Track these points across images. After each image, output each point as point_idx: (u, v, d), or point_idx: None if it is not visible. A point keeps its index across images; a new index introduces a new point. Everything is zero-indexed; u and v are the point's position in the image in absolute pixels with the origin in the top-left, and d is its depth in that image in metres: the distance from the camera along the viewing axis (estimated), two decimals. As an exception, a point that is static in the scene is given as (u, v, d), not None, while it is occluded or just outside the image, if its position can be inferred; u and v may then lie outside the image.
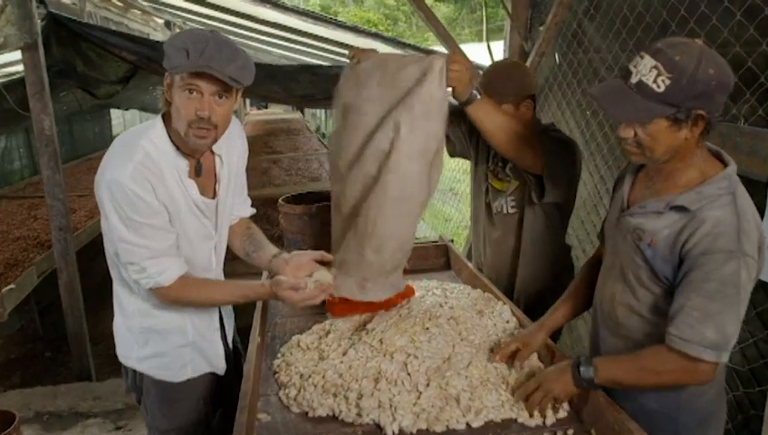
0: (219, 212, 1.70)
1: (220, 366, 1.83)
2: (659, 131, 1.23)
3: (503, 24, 3.34)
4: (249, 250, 1.88)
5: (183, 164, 1.56)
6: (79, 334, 3.48)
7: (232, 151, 1.71)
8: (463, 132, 2.25)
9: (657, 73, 1.18)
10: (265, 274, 2.05)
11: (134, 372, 1.74)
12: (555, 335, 1.77)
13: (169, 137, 1.54)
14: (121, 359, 1.76)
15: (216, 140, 1.54)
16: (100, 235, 1.63)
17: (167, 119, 1.54)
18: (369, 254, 1.66)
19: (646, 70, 1.20)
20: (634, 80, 1.23)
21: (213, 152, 1.65)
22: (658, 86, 1.19)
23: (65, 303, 3.44)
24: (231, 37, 1.53)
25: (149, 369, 1.72)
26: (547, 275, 2.14)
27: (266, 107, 20.57)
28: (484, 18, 3.22)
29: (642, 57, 1.22)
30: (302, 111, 17.38)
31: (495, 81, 1.99)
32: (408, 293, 1.89)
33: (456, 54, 1.75)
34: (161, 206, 1.52)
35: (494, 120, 1.77)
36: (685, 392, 1.36)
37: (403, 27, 28.41)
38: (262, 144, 10.09)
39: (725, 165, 1.31)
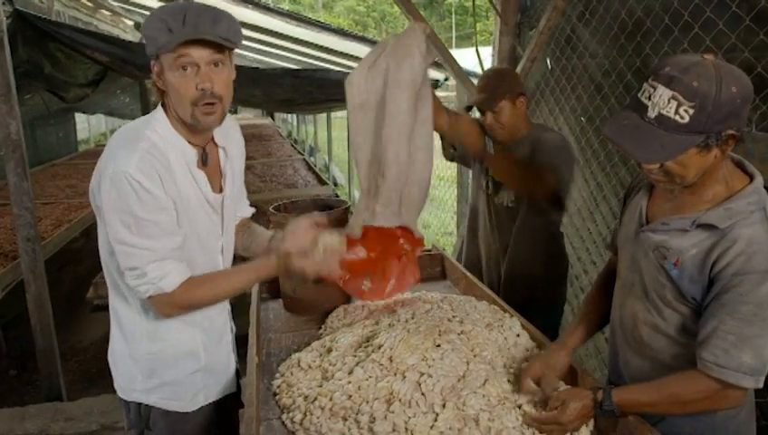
0: (225, 208, 1.59)
1: (233, 387, 1.71)
2: (689, 158, 1.16)
3: (471, 31, 3.30)
4: (247, 243, 1.75)
5: (191, 153, 1.45)
6: (48, 350, 3.27)
7: (231, 145, 1.61)
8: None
9: (678, 104, 1.11)
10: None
11: (138, 405, 1.57)
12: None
13: (172, 126, 1.43)
14: (122, 393, 1.58)
15: (224, 114, 1.42)
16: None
17: (166, 108, 1.44)
18: (379, 179, 1.75)
19: (664, 102, 1.13)
20: (652, 114, 1.15)
21: (216, 144, 1.55)
22: (682, 117, 1.12)
23: (33, 318, 3.24)
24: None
25: (158, 400, 1.55)
26: (537, 261, 2.30)
27: (235, 112, 20.25)
28: (454, 25, 3.16)
29: (655, 87, 1.14)
30: (273, 117, 17.15)
31: (492, 82, 2.23)
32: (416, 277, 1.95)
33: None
34: (169, 200, 1.39)
35: (508, 173, 2.16)
36: (719, 415, 1.30)
37: (373, 33, 28.45)
38: (233, 150, 9.90)
39: (750, 176, 1.25)
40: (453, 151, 2.39)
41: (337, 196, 6.13)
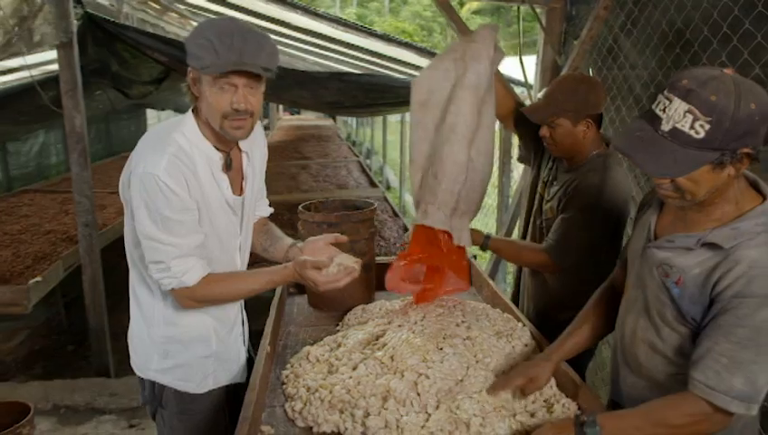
0: (245, 209, 1.67)
1: (242, 376, 1.80)
2: (701, 175, 1.13)
3: (537, 38, 3.27)
4: (266, 245, 1.85)
5: (216, 157, 1.54)
6: (99, 330, 3.51)
7: (255, 149, 1.70)
8: (530, 137, 2.21)
9: (694, 118, 1.08)
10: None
11: (152, 383, 1.68)
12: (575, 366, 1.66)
13: (200, 131, 1.52)
14: (138, 371, 1.70)
15: (252, 128, 1.51)
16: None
17: (196, 112, 1.52)
18: (431, 179, 1.80)
19: (679, 115, 1.09)
20: (666, 127, 1.11)
21: (240, 149, 1.64)
22: (697, 132, 1.08)
23: (88, 298, 3.48)
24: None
25: (171, 381, 1.65)
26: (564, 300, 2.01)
27: (299, 113, 20.79)
28: (520, 32, 3.15)
29: (670, 100, 1.11)
30: (334, 119, 17.51)
31: (558, 92, 1.93)
32: (462, 285, 2.00)
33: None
34: (193, 201, 1.48)
35: (507, 255, 2.24)
36: None
37: (438, 38, 28.42)
38: (292, 149, 10.18)
39: (763, 196, 1.20)
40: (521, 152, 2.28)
41: (386, 198, 6.20)
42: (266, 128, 15.91)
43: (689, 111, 1.09)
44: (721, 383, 1.11)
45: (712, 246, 1.18)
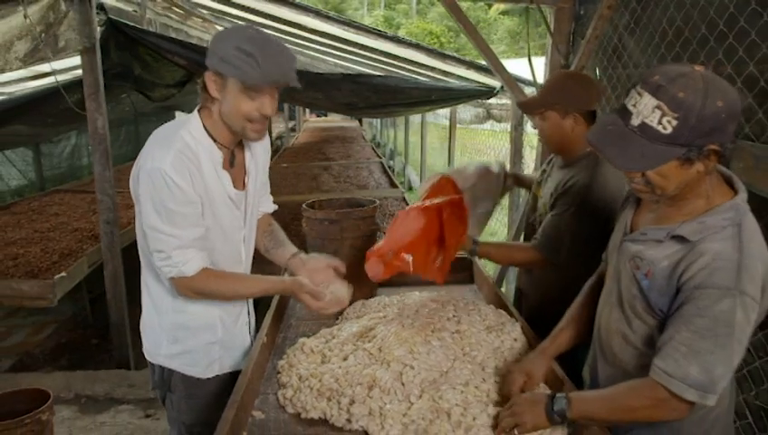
0: (248, 203, 1.75)
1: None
2: (669, 170, 1.15)
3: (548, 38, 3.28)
4: (269, 246, 1.93)
5: (218, 154, 1.62)
6: (120, 324, 3.65)
7: (257, 146, 1.77)
8: None
9: (662, 114, 1.10)
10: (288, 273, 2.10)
11: (161, 368, 1.76)
12: (572, 360, 1.68)
13: (205, 129, 1.60)
14: (149, 356, 1.79)
15: (266, 130, 1.62)
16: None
17: (203, 112, 1.61)
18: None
19: (648, 111, 1.11)
20: (635, 121, 1.14)
21: (243, 146, 1.71)
22: (665, 127, 1.10)
23: (109, 293, 3.62)
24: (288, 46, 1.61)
25: (179, 366, 1.74)
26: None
27: (325, 115, 21.02)
28: (527, 32, 3.16)
29: (641, 95, 1.13)
30: (360, 121, 17.66)
31: (549, 84, 2.04)
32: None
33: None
34: (196, 196, 1.56)
35: (498, 258, 2.31)
36: (684, 431, 1.27)
37: (465, 40, 28.31)
38: (316, 151, 10.31)
39: (736, 192, 1.22)
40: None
41: (404, 199, 6.24)
42: (293, 130, 16.18)
43: (658, 107, 1.10)
44: (678, 370, 1.14)
45: (680, 238, 1.21)
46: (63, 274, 3.64)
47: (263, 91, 1.49)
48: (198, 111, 1.62)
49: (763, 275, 1.14)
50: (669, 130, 1.10)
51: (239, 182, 1.71)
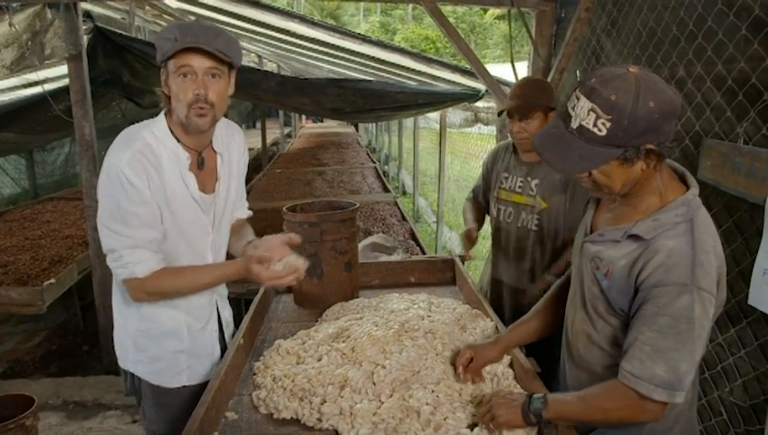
0: (216, 208, 1.73)
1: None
2: (611, 170, 1.18)
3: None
4: (232, 241, 1.88)
5: (184, 156, 1.61)
6: (109, 330, 3.59)
7: (232, 151, 1.77)
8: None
9: (596, 116, 1.12)
10: None
11: (131, 375, 1.75)
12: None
13: (171, 132, 1.60)
14: (120, 362, 1.78)
15: (215, 120, 1.59)
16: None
17: (168, 115, 1.61)
18: None
19: (584, 113, 1.13)
20: (574, 124, 1.15)
21: (215, 151, 1.70)
22: (600, 129, 1.12)
23: (98, 299, 3.63)
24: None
25: (145, 373, 1.73)
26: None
27: (321, 120, 21.05)
28: (510, 36, 3.19)
29: (578, 98, 1.15)
30: (356, 126, 17.69)
31: (529, 90, 2.18)
32: None
33: None
34: (153, 196, 1.55)
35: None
36: (645, 430, 1.27)
37: (461, 44, 28.38)
38: (310, 156, 10.33)
39: (688, 187, 1.23)
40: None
41: (396, 203, 6.25)
42: (288, 136, 16.21)
43: (592, 110, 1.12)
44: (644, 372, 1.14)
45: (635, 237, 1.22)
46: (52, 280, 3.65)
47: (190, 63, 1.48)
48: (165, 113, 1.63)
49: (717, 268, 1.16)
50: (604, 131, 1.12)
51: (208, 186, 1.69)
